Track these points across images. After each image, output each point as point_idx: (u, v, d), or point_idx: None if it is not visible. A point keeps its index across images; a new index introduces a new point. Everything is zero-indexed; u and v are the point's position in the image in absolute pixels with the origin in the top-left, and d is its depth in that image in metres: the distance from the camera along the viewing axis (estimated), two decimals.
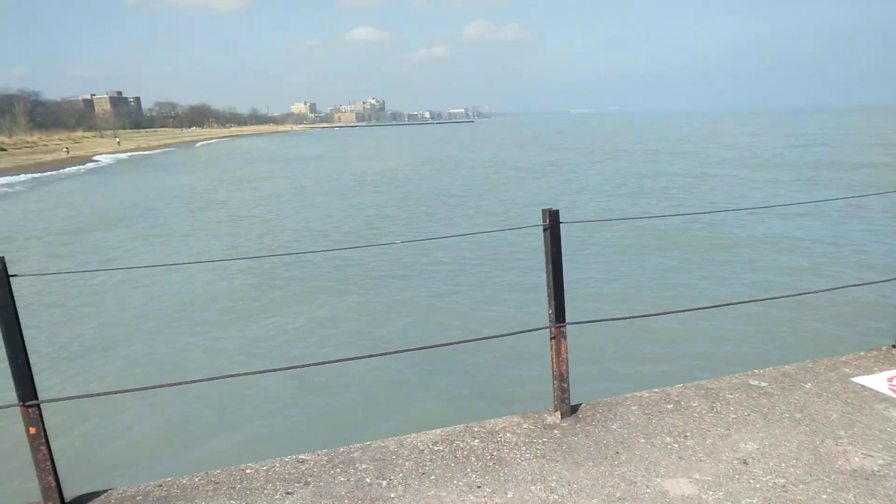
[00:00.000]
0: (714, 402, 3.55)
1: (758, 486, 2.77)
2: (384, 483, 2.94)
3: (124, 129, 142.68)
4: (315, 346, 9.43)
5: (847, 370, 3.86)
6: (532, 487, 2.85)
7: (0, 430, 6.96)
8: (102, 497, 2.98)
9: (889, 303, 9.35)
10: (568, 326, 3.45)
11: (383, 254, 14.99)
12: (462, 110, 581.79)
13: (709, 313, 9.45)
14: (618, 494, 2.75)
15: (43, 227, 23.25)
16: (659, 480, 2.84)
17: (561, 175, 32.93)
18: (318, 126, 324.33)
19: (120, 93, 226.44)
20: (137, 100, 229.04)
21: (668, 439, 3.19)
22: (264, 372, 4.32)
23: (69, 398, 3.55)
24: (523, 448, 3.19)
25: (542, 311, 3.61)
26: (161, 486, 3.04)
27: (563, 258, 3.40)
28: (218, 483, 3.03)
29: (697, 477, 2.86)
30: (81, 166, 60.10)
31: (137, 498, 2.96)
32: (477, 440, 3.29)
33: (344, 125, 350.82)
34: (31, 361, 2.80)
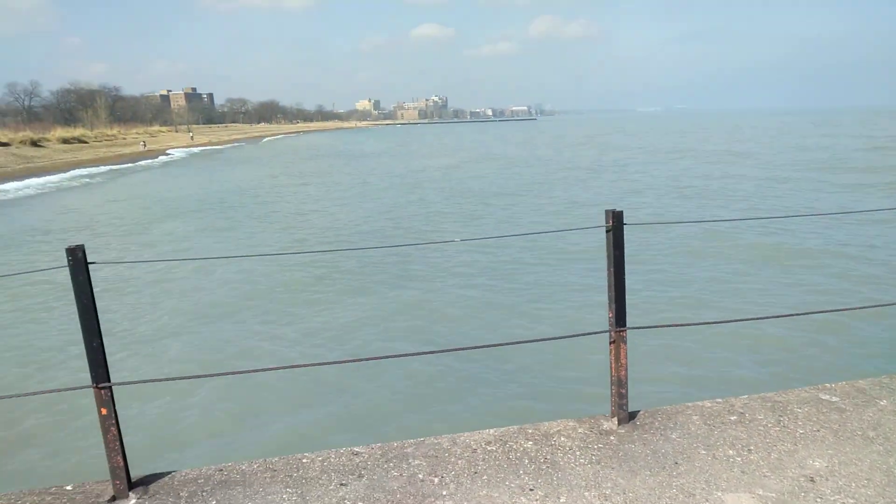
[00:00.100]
0: (781, 416, 3.40)
1: None
2: (436, 480, 2.95)
3: (198, 124, 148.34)
4: (371, 340, 9.56)
5: None
6: (586, 493, 2.80)
7: (75, 410, 7.35)
8: (166, 479, 3.10)
9: None
10: (628, 331, 3.37)
11: (442, 251, 15.04)
12: (525, 108, 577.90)
13: (777, 322, 9.07)
14: None
15: (119, 217, 24.42)
16: (719, 494, 2.75)
17: (623, 174, 32.26)
18: (381, 123, 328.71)
19: (194, 89, 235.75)
20: (210, 96, 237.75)
21: (731, 452, 3.08)
22: (322, 364, 4.41)
23: (139, 382, 3.71)
24: (578, 453, 3.14)
25: (601, 314, 3.54)
26: (222, 470, 3.14)
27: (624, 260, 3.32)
28: (275, 471, 3.11)
29: (760, 493, 2.74)
30: (155, 159, 62.77)
31: (199, 481, 3.06)
32: (530, 442, 3.26)
33: (406, 122, 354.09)
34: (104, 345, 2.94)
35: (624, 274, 3.31)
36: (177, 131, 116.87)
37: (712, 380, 7.61)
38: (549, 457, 3.11)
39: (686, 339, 8.71)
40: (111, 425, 2.96)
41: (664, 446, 3.15)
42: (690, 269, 12.77)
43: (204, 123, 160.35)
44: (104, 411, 2.94)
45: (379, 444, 3.31)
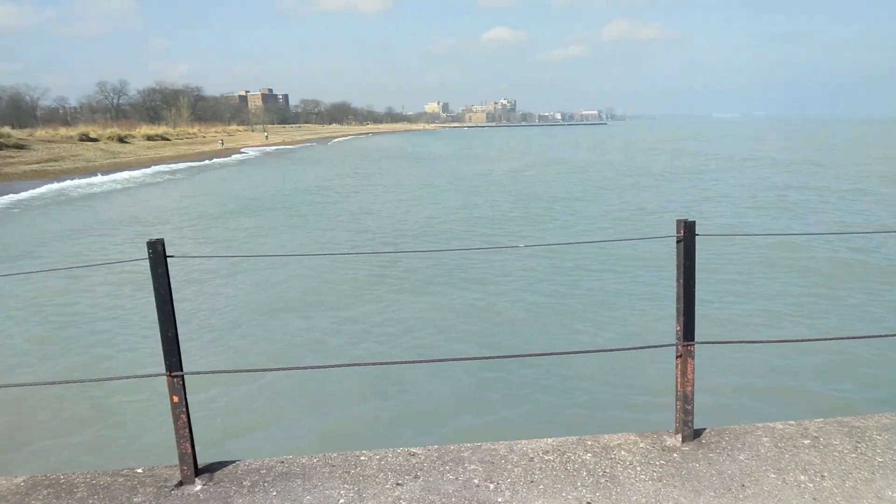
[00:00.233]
0: (859, 442, 3.22)
1: None
2: (492, 486, 2.94)
3: (272, 124, 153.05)
4: (432, 341, 9.61)
5: None
6: None
7: (148, 396, 7.71)
8: (230, 467, 3.21)
9: None
10: (696, 345, 3.27)
11: (506, 256, 14.98)
12: (595, 112, 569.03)
13: (856, 343, 8.58)
14: None
15: (195, 212, 25.49)
16: None
17: (694, 182, 31.28)
18: (448, 126, 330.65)
19: (271, 90, 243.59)
20: (286, 97, 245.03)
21: (803, 477, 2.93)
22: (383, 364, 4.46)
23: (210, 372, 3.85)
24: (638, 468, 3.06)
25: (666, 327, 3.45)
26: (283, 462, 3.23)
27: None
28: (334, 466, 3.17)
29: None
30: (230, 157, 65.18)
31: (261, 471, 3.15)
32: (589, 454, 3.20)
33: (474, 125, 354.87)
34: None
35: (694, 286, 3.21)
36: (252, 131, 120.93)
37: (783, 401, 7.27)
38: (608, 470, 3.05)
39: (756, 357, 8.37)
40: (181, 412, 3.08)
41: (731, 467, 3.03)
42: (763, 283, 12.25)
43: (279, 123, 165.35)
44: (175, 399, 3.07)
45: (436, 447, 3.32)
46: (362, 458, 3.24)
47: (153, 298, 3.00)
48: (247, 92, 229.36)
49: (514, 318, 10.63)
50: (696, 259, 3.21)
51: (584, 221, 20.60)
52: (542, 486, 2.92)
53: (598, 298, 11.57)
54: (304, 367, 4.78)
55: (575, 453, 3.21)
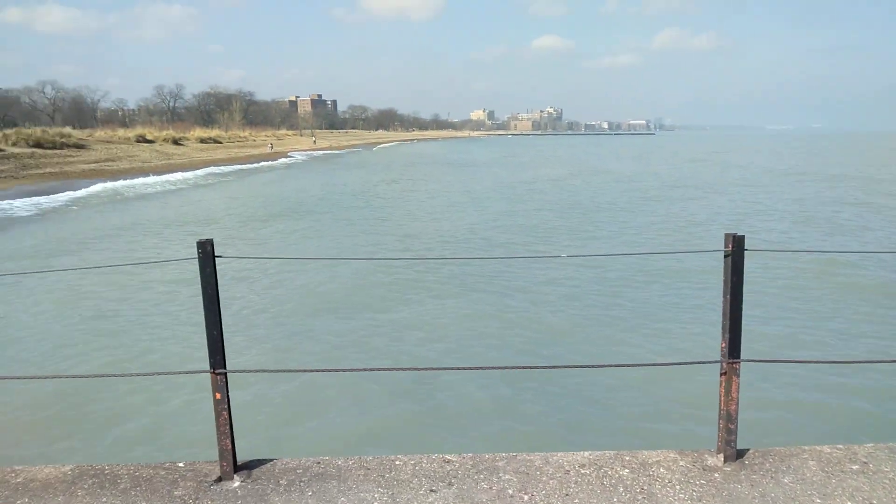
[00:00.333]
0: None
1: None
2: (526, 498, 2.91)
3: (321, 129, 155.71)
4: (470, 348, 9.59)
5: None
6: None
7: (192, 391, 7.90)
8: (268, 465, 3.26)
9: None
10: (742, 364, 3.18)
11: (547, 265, 14.86)
12: (643, 122, 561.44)
13: None
14: None
15: (242, 213, 26.07)
16: None
17: (742, 195, 30.48)
18: (493, 133, 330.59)
19: (320, 95, 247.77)
20: (334, 102, 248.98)
21: None
22: (421, 370, 4.47)
23: (252, 371, 3.93)
24: (678, 487, 2.99)
25: (708, 343, 3.37)
26: (319, 463, 3.27)
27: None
28: (369, 469, 3.19)
29: None
30: (277, 161, 66.49)
31: (298, 471, 3.20)
32: (627, 470, 3.14)
33: (519, 133, 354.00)
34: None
35: (741, 302, 3.13)
36: (301, 135, 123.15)
37: (831, 424, 7.01)
38: (646, 487, 2.99)
39: (803, 377, 8.09)
40: (223, 409, 3.15)
41: (774, 490, 2.94)
42: (812, 301, 11.84)
43: (327, 128, 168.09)
44: (218, 396, 3.14)
45: (471, 455, 3.31)
46: (397, 462, 3.26)
47: (199, 296, 3.08)
48: (297, 97, 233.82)
49: (554, 328, 10.53)
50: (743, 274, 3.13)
51: (628, 232, 20.29)
52: (577, 500, 2.88)
53: (641, 311, 11.37)
54: (344, 370, 4.84)
55: (612, 468, 3.16)
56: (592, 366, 7.96)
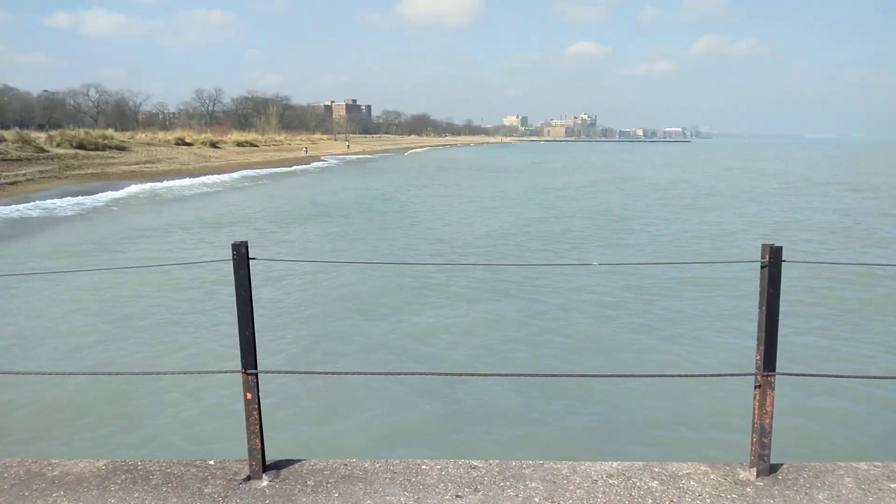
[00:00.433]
0: None
1: None
2: None
3: (354, 133, 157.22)
4: (499, 354, 9.56)
5: None
6: None
7: (221, 390, 8.02)
8: (296, 465, 3.29)
9: None
10: (777, 377, 3.11)
11: (578, 273, 14.74)
12: (679, 129, 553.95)
13: None
14: None
15: (274, 215, 26.44)
16: None
17: (779, 205, 29.82)
18: (526, 139, 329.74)
19: (355, 101, 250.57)
20: (369, 107, 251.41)
21: None
22: (448, 375, 4.47)
23: (283, 372, 3.98)
24: (708, 500, 2.93)
25: (741, 355, 3.30)
26: (346, 465, 3.29)
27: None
28: (395, 473, 3.20)
29: None
30: (310, 165, 67.28)
31: (325, 472, 3.22)
32: (656, 482, 3.10)
33: (552, 139, 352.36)
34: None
35: (777, 314, 3.07)
36: (335, 139, 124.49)
37: (869, 441, 6.80)
38: (675, 500, 2.94)
39: (840, 392, 7.88)
40: (253, 409, 3.19)
41: None
42: (850, 315, 11.50)
43: (360, 133, 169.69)
44: (249, 396, 3.19)
45: (497, 461, 3.30)
46: (423, 466, 3.26)
47: (231, 296, 3.13)
48: (332, 102, 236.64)
49: (585, 336, 10.44)
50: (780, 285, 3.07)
51: (662, 241, 20.01)
52: None
53: (673, 321, 11.20)
54: (372, 373, 4.88)
55: (641, 479, 3.12)
56: (623, 375, 7.86)
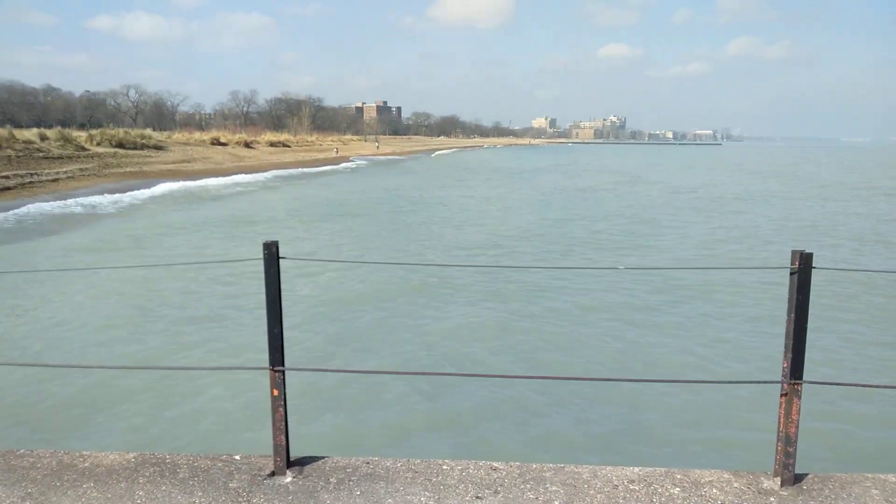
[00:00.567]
0: None
1: None
2: None
3: (384, 134, 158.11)
4: (522, 356, 9.54)
5: None
6: None
7: (246, 386, 8.15)
8: (319, 462, 3.35)
9: None
10: (804, 385, 3.07)
11: (604, 276, 14.63)
12: (709, 132, 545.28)
13: None
14: None
15: (302, 215, 26.73)
16: None
17: (810, 211, 29.15)
18: (554, 141, 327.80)
19: (385, 102, 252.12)
20: (399, 109, 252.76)
21: None
22: (469, 376, 4.49)
23: (310, 369, 4.04)
24: None
25: (769, 362, 3.26)
26: (368, 463, 3.33)
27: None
28: (416, 472, 3.23)
29: None
30: (339, 165, 67.78)
31: (347, 470, 3.27)
32: (678, 489, 3.08)
33: (580, 141, 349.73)
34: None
35: (806, 322, 3.03)
36: (365, 140, 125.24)
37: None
38: None
39: (869, 402, 7.70)
40: (280, 406, 3.25)
41: None
42: (880, 323, 11.22)
43: (390, 134, 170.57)
44: (275, 392, 3.25)
45: (517, 464, 3.31)
46: (444, 467, 3.29)
47: (259, 293, 3.20)
48: (363, 103, 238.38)
49: (610, 339, 10.36)
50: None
51: (689, 244, 19.74)
52: None
53: (700, 326, 11.05)
54: (397, 372, 4.92)
55: (662, 485, 3.10)
56: (647, 380, 7.79)
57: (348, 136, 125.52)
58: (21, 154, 35.75)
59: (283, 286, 3.21)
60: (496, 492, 3.04)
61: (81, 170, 37.85)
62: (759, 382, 3.55)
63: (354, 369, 9.04)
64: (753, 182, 49.36)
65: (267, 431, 3.34)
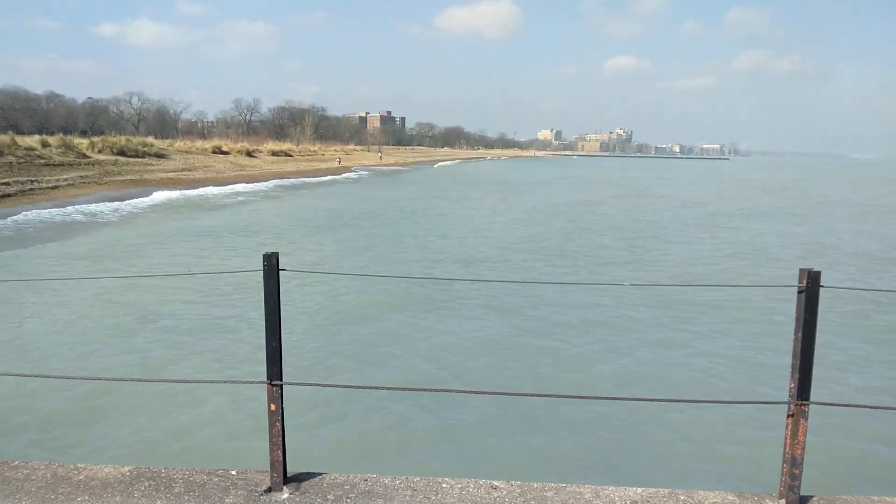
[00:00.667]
0: None
1: None
2: None
3: (388, 144, 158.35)
4: (522, 374, 9.47)
5: None
6: None
7: (243, 401, 8.09)
8: (317, 479, 3.29)
9: None
10: (811, 406, 3.01)
11: (608, 292, 14.56)
12: (717, 146, 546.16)
13: None
14: None
15: (301, 225, 26.73)
16: None
17: (818, 229, 29.10)
18: (559, 153, 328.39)
19: (389, 112, 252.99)
20: (403, 119, 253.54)
21: None
22: (469, 392, 4.43)
23: (307, 384, 3.99)
24: None
25: (774, 382, 3.20)
26: (367, 480, 3.27)
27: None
28: (416, 490, 3.17)
29: None
30: (340, 176, 67.90)
31: (345, 486, 3.21)
32: None
33: (586, 154, 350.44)
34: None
35: (814, 342, 2.98)
36: (369, 150, 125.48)
37: None
38: None
39: (874, 424, 7.62)
40: (277, 421, 3.20)
41: None
42: (888, 344, 11.13)
43: (394, 144, 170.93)
44: (273, 407, 3.19)
45: (518, 483, 3.25)
46: (444, 485, 3.23)
47: (257, 305, 3.15)
48: (367, 113, 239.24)
49: (613, 357, 10.29)
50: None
51: (694, 261, 19.68)
52: None
53: (705, 344, 10.97)
54: (396, 388, 4.87)
55: None
56: (651, 399, 7.69)
57: (351, 146, 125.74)
58: (22, 161, 35.85)
59: (282, 298, 3.16)
60: None
61: (82, 177, 37.94)
62: (765, 403, 3.49)
63: (353, 384, 8.97)
64: (761, 197, 49.32)
65: (264, 446, 3.29)
